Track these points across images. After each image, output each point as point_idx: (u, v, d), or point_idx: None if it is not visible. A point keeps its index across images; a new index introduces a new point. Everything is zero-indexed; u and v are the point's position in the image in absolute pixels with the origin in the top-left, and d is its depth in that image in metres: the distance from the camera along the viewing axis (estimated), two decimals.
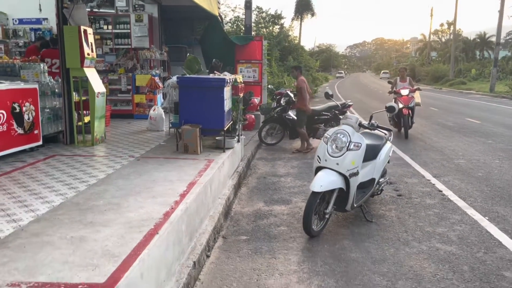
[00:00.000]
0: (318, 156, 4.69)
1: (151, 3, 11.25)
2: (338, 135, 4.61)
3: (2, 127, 5.41)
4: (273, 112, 10.15)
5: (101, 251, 2.89)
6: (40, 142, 6.22)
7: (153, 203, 3.91)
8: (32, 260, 2.74)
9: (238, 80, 7.16)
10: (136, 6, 11.40)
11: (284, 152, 9.21)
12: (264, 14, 30.17)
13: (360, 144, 4.57)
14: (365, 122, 4.99)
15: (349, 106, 10.13)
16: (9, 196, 4.07)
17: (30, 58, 7.35)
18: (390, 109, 5.14)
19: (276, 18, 30.33)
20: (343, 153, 4.51)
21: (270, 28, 29.68)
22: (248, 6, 13.39)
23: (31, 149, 6.09)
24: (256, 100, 12.30)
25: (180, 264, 3.56)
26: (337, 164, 4.50)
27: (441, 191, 6.22)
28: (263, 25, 29.51)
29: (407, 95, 10.88)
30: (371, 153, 5.05)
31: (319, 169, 4.65)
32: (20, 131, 5.74)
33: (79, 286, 2.41)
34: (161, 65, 11.50)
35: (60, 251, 2.88)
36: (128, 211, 3.70)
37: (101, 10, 11.60)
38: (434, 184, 6.58)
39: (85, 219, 3.50)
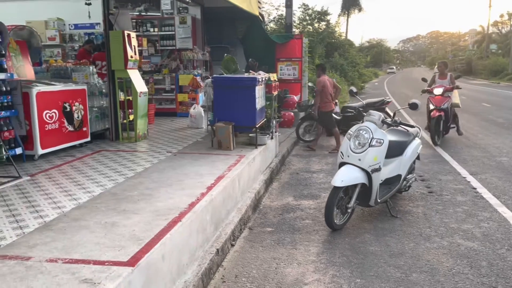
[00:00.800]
0: (341, 152, 4.83)
1: (194, 5, 11.71)
2: (361, 131, 4.72)
3: (55, 125, 5.99)
4: (310, 109, 10.26)
5: (128, 235, 3.24)
6: (89, 139, 6.78)
7: (181, 195, 4.24)
8: (69, 241, 3.13)
9: (272, 79, 7.38)
10: (181, 8, 11.90)
11: (321, 149, 9.32)
12: (310, 11, 30.09)
13: (382, 141, 4.66)
14: (388, 119, 5.05)
15: (388, 102, 10.05)
16: (57, 187, 4.56)
17: (82, 61, 7.98)
18: (412, 105, 5.14)
19: (322, 14, 30.15)
20: (365, 149, 4.61)
21: (316, 25, 29.57)
22: (288, 5, 13.54)
23: (81, 145, 6.66)
24: (296, 97, 12.46)
25: (204, 251, 3.86)
26: (359, 160, 4.61)
27: (475, 188, 6.12)
28: (308, 22, 29.47)
29: (441, 95, 9.30)
30: (397, 150, 5.11)
31: (342, 164, 4.79)
32: (70, 128, 6.31)
33: (106, 263, 2.76)
34: (204, 65, 11.94)
35: (94, 234, 3.26)
36: (157, 201, 4.05)
37: (148, 14, 12.22)
38: (469, 182, 6.47)
39: (119, 207, 3.88)
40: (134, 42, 7.21)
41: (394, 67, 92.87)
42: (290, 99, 12.18)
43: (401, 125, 5.10)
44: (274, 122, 7.80)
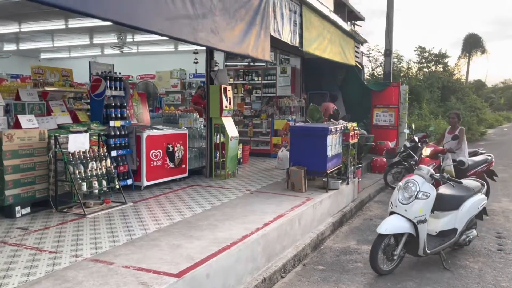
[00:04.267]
0: (391, 201, 5.18)
1: (295, 56, 12.83)
2: (408, 184, 5.04)
3: (159, 162, 7.34)
4: (399, 157, 10.37)
5: (186, 255, 4.13)
6: (186, 174, 8.04)
7: (240, 228, 5.04)
8: (143, 255, 4.13)
9: (350, 128, 7.89)
10: (283, 59, 13.13)
11: None
12: (426, 54, 29.50)
13: (429, 194, 4.91)
14: (438, 175, 5.24)
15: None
16: (149, 213, 5.73)
17: (189, 108, 9.48)
18: (460, 163, 5.25)
19: (440, 57, 29.30)
20: (412, 201, 4.92)
21: (433, 67, 28.80)
22: (387, 54, 13.89)
23: (180, 179, 7.93)
24: (391, 144, 12.58)
25: (252, 277, 4.57)
26: (405, 210, 4.92)
27: None
28: (424, 65, 28.85)
29: (429, 157, 7.73)
30: (452, 203, 5.27)
31: (391, 214, 5.13)
32: (171, 165, 7.63)
33: (161, 273, 3.66)
34: (300, 110, 12.84)
35: (161, 252, 4.23)
36: (219, 231, 4.91)
37: (255, 64, 13.69)
38: None
39: (188, 233, 4.83)
40: (230, 94, 8.42)
41: None
42: (384, 145, 12.39)
43: (449, 181, 5.23)
44: (352, 168, 8.25)
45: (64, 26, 9.62)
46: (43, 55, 15.37)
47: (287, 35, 7.84)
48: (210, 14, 5.46)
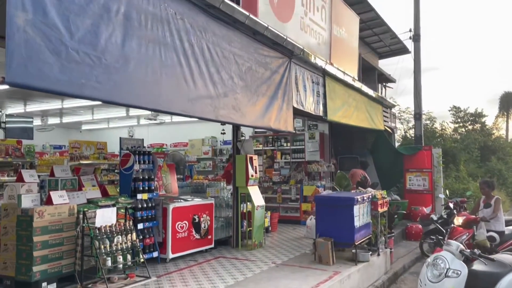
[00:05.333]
0: (420, 279, 4.92)
1: (323, 122, 12.96)
2: (437, 260, 4.79)
3: (184, 234, 7.37)
4: (436, 224, 9.93)
5: None
6: (212, 245, 7.98)
7: None
8: None
9: (378, 196, 7.73)
10: (311, 125, 13.28)
11: None
12: (461, 113, 29.13)
13: (459, 272, 4.64)
14: (468, 250, 4.96)
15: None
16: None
17: (217, 177, 9.63)
18: (490, 238, 4.96)
19: (476, 116, 28.82)
20: (441, 280, 4.65)
21: (470, 127, 28.28)
22: (417, 117, 13.82)
23: (206, 250, 7.88)
24: (427, 209, 12.14)
25: None
26: None
27: None
28: (460, 124, 28.40)
29: (462, 226, 7.52)
30: (486, 281, 4.91)
31: None
32: (197, 236, 7.63)
33: None
34: (330, 175, 12.74)
35: None
36: None
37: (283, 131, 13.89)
38: None
39: None
40: (256, 163, 8.52)
41: None
42: (419, 211, 11.97)
43: (479, 258, 4.92)
44: (383, 238, 7.95)
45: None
46: (84, 127, 16.31)
47: (310, 106, 8.01)
48: (231, 93, 5.71)
